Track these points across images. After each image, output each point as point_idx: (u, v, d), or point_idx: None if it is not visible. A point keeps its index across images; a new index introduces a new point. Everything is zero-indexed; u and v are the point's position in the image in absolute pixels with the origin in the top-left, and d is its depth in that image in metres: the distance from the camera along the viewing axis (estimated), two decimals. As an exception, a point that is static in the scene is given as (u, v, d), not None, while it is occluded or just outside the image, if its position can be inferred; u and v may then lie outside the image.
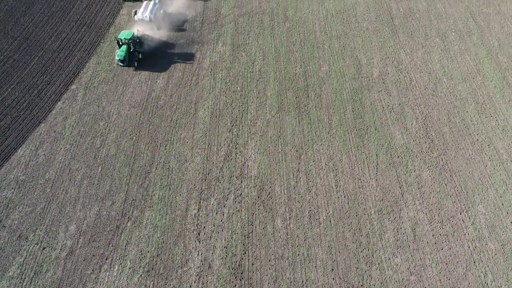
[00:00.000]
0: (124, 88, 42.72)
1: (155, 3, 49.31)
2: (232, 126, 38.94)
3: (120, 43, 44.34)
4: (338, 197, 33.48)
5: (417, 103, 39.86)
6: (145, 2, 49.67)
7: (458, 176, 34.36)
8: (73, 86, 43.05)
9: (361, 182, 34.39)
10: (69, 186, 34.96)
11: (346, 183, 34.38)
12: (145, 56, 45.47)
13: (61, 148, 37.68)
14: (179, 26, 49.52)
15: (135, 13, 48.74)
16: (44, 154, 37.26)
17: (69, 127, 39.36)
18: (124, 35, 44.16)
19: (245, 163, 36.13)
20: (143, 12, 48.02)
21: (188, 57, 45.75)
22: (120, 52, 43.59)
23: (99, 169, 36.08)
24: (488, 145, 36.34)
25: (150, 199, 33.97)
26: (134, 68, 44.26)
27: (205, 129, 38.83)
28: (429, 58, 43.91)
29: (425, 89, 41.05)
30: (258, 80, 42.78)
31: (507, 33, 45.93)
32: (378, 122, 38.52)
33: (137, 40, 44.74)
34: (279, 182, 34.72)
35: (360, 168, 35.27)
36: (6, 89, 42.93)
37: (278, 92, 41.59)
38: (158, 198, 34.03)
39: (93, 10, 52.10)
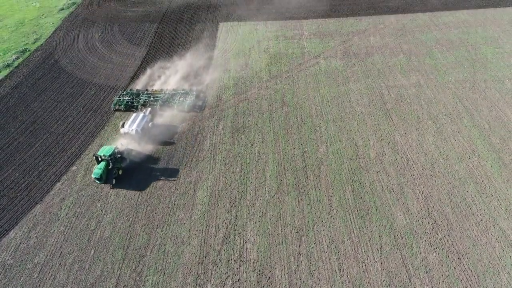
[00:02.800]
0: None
1: (144, 116, 47.07)
2: (231, 207, 38.39)
3: (99, 159, 41.33)
4: (342, 282, 31.57)
5: (416, 183, 39.86)
6: (134, 114, 47.56)
7: (466, 259, 32.86)
8: (74, 167, 43.46)
9: (365, 265, 32.75)
10: (58, 271, 33.21)
11: (350, 266, 32.73)
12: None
13: (54, 230, 36.65)
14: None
15: (122, 125, 46.24)
16: (36, 236, 36.12)
17: (65, 208, 38.78)
18: (104, 151, 41.34)
19: (244, 245, 34.82)
20: (130, 125, 45.36)
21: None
22: (97, 170, 40.45)
23: (92, 252, 34.64)
24: (493, 225, 35.44)
25: (142, 285, 31.98)
26: (111, 186, 40.84)
27: (204, 210, 38.21)
28: (424, 140, 45.11)
29: (422, 169, 41.40)
30: (257, 161, 43.34)
31: (496, 116, 47.90)
32: (378, 203, 38.07)
33: (118, 156, 41.85)
34: (280, 266, 33.06)
35: (363, 251, 33.88)
36: (7, 170, 43.31)
37: (277, 172, 41.85)
38: (152, 284, 32.07)
39: (101, 96, 55.00)
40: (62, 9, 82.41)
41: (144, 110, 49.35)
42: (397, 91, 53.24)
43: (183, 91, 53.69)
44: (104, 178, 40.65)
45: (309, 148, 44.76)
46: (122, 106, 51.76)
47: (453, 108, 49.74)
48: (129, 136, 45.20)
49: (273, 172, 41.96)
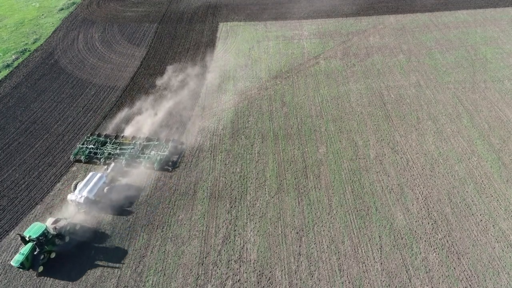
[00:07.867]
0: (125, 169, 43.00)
1: (101, 177, 39.02)
2: (231, 207, 38.41)
3: (26, 240, 32.91)
4: (342, 283, 31.61)
5: (416, 184, 39.90)
6: (90, 174, 39.29)
7: (466, 259, 32.91)
8: (74, 168, 43.45)
9: (365, 266, 32.80)
10: (58, 271, 33.16)
11: (350, 267, 32.78)
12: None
13: (54, 231, 36.56)
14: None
15: (75, 187, 38.39)
16: (36, 237, 36.05)
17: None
18: (31, 231, 32.83)
19: (244, 246, 34.85)
20: (82, 189, 37.22)
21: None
22: (18, 256, 31.72)
23: (92, 253, 34.63)
24: (493, 225, 35.50)
25: (143, 286, 32.01)
26: (36, 273, 32.77)
27: (204, 210, 38.23)
28: (424, 140, 45.15)
29: (422, 169, 41.45)
30: (257, 162, 43.36)
31: (495, 116, 47.95)
32: (378, 203, 38.11)
33: (52, 235, 33.70)
34: (280, 266, 33.10)
35: (363, 251, 33.92)
36: (7, 171, 43.32)
37: (277, 173, 41.88)
38: (152, 284, 32.10)
39: (101, 96, 55.00)
40: (62, 9, 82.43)
41: (106, 166, 42.01)
42: (396, 92, 53.28)
43: (156, 142, 45.06)
44: (28, 265, 32.29)
45: (309, 148, 44.79)
46: (83, 157, 43.41)
47: (453, 108, 49.79)
48: (76, 204, 37.18)
49: (273, 172, 41.99)
